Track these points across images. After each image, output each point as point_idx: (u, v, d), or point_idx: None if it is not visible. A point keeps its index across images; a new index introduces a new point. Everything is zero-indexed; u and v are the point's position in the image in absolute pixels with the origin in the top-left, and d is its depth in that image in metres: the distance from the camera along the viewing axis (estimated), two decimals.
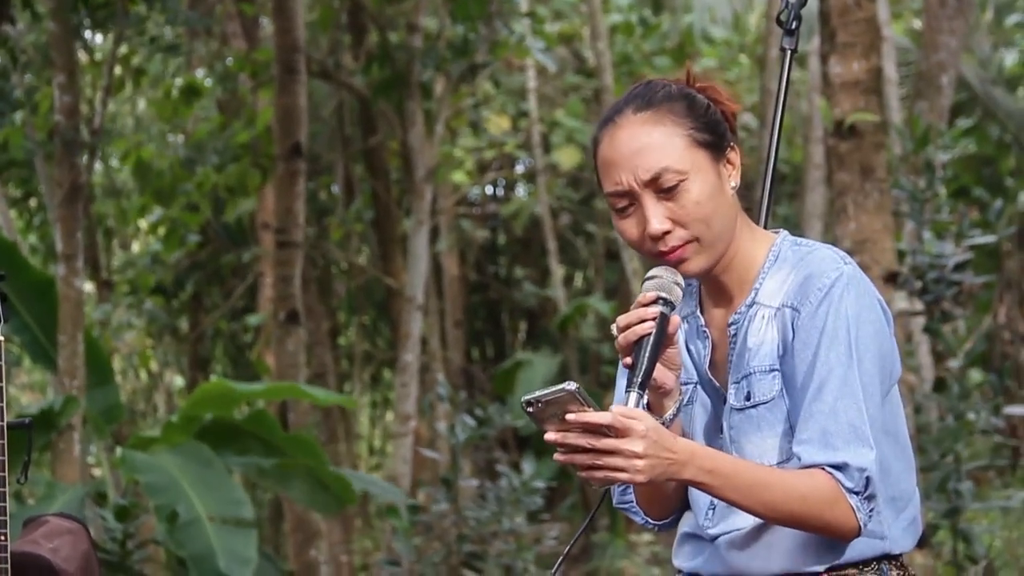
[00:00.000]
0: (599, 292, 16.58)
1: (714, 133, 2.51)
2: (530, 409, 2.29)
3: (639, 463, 2.30)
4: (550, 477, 13.64)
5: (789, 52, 2.92)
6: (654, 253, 2.49)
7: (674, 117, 2.49)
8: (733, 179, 2.53)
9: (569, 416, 2.29)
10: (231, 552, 7.09)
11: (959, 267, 7.14)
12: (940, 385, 7.55)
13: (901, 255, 6.97)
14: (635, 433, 2.29)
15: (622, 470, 2.30)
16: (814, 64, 11.80)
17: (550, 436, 2.30)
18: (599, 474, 2.31)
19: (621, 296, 15.65)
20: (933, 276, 7.05)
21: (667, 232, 2.47)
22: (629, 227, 2.50)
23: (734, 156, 2.53)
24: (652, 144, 2.47)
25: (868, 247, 6.01)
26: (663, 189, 2.46)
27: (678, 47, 14.86)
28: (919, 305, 7.31)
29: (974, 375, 8.17)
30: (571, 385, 2.28)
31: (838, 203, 6.13)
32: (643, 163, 2.46)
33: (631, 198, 2.48)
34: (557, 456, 2.32)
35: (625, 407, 2.33)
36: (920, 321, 7.49)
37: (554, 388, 2.28)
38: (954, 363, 7.27)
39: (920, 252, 7.09)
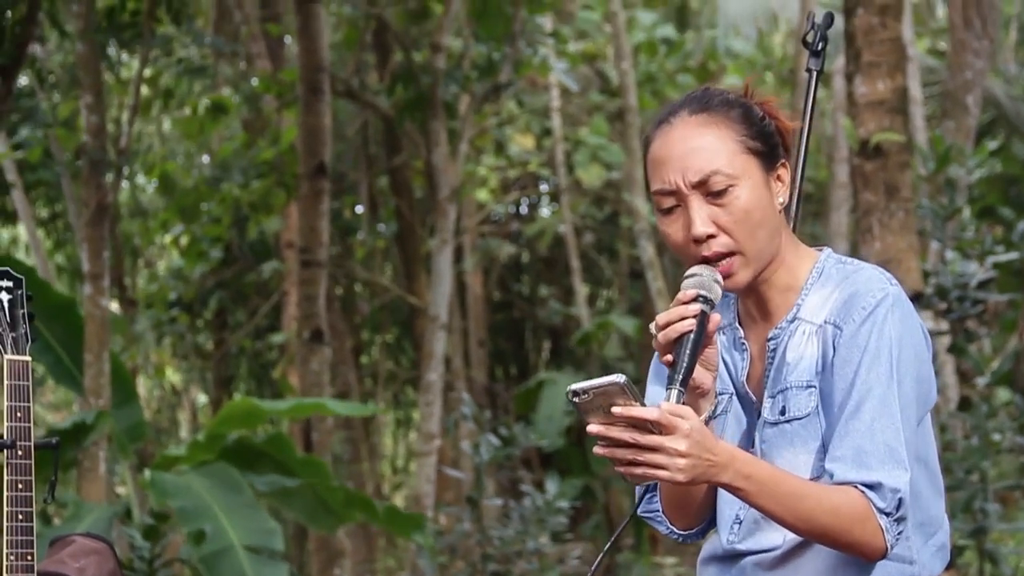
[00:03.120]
0: (622, 310, 16.57)
1: (767, 143, 2.49)
2: (576, 399, 2.27)
3: (681, 462, 2.28)
4: (574, 497, 13.62)
5: (815, 73, 2.92)
6: (697, 258, 2.46)
7: (729, 122, 2.47)
8: (782, 195, 2.51)
9: (615, 409, 2.26)
10: None
11: (983, 285, 7.12)
12: (965, 404, 7.52)
13: (925, 275, 6.95)
14: (680, 431, 2.28)
15: (663, 467, 2.28)
16: (839, 83, 11.80)
17: (593, 428, 2.28)
18: (639, 470, 2.29)
19: (645, 315, 15.64)
20: (957, 295, 7.03)
21: (711, 236, 2.44)
22: (673, 229, 2.48)
23: (784, 173, 2.52)
24: (704, 146, 2.45)
25: (893, 267, 5.99)
26: (712, 192, 2.44)
27: (701, 66, 14.87)
28: (944, 325, 7.29)
29: (1000, 394, 8.13)
30: (620, 378, 2.26)
31: (863, 223, 6.12)
32: (693, 164, 2.45)
33: (678, 199, 2.46)
34: (597, 449, 2.30)
35: (672, 404, 2.31)
36: (945, 341, 7.46)
37: (603, 380, 2.26)
38: (980, 382, 7.24)
39: (944, 272, 7.07)
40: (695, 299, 2.41)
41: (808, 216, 15.15)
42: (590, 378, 2.33)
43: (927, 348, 2.51)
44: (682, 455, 2.28)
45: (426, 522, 8.83)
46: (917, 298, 6.10)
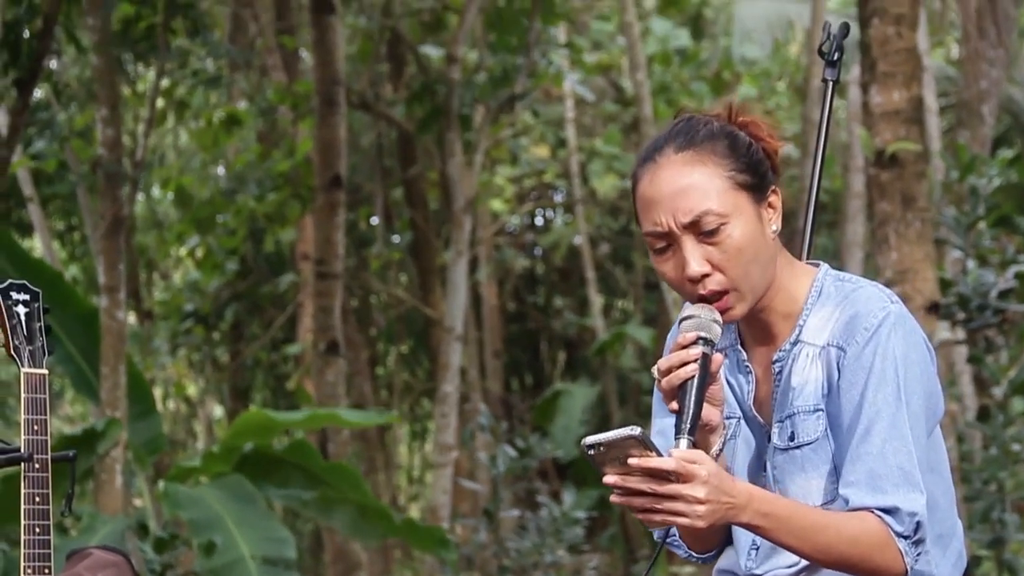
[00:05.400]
0: (637, 321, 16.56)
1: (756, 174, 2.46)
2: (591, 452, 2.27)
3: (700, 508, 2.28)
4: (590, 508, 13.60)
5: (831, 83, 2.91)
6: (694, 296, 2.45)
7: (716, 158, 2.44)
8: (774, 222, 2.49)
9: (632, 460, 2.26)
10: None
11: (1003, 295, 7.10)
12: (984, 414, 7.50)
13: (945, 284, 6.93)
14: (698, 479, 2.27)
15: (683, 515, 2.28)
16: (854, 93, 11.78)
17: (610, 479, 2.28)
18: (658, 517, 2.29)
19: (660, 325, 15.63)
20: (977, 304, 7.01)
21: (706, 275, 2.43)
22: (668, 268, 2.46)
23: (775, 200, 2.49)
24: (693, 185, 2.42)
25: (910, 277, 5.97)
26: (704, 232, 2.42)
27: (716, 75, 14.86)
28: (961, 334, 7.27)
29: (1017, 404, 8.11)
30: (635, 430, 2.25)
31: (879, 233, 6.10)
32: (684, 205, 2.42)
33: (670, 239, 2.44)
34: (614, 498, 2.30)
35: (687, 451, 2.31)
36: (963, 350, 7.45)
37: (617, 432, 2.26)
38: (997, 392, 7.22)
39: (964, 281, 7.05)
40: (695, 342, 2.39)
41: (823, 226, 15.12)
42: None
43: (932, 362, 2.50)
44: (701, 502, 2.28)
45: (447, 536, 8.80)
46: (934, 308, 6.08)
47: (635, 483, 2.27)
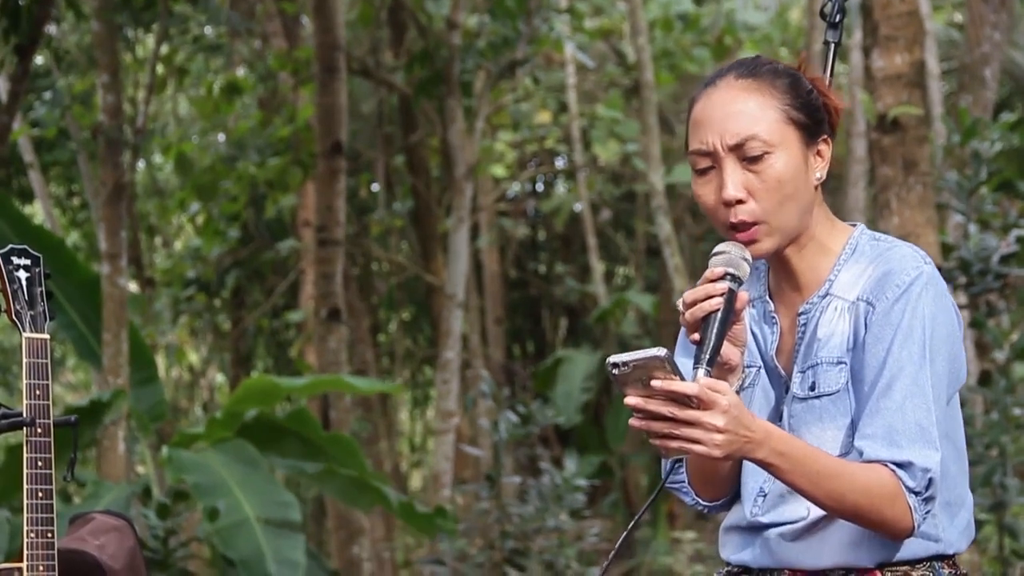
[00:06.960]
0: (639, 287, 16.55)
1: (810, 116, 2.48)
2: (616, 371, 2.26)
3: (718, 437, 2.28)
4: (592, 474, 13.63)
5: (833, 45, 2.90)
6: (726, 223, 2.46)
7: (774, 90, 2.46)
8: (820, 170, 2.50)
9: (655, 383, 2.26)
10: (280, 555, 7.12)
11: (1004, 260, 7.10)
12: (985, 379, 7.51)
13: (947, 248, 6.93)
14: (718, 407, 2.27)
15: (699, 442, 2.28)
16: (856, 58, 11.75)
17: (631, 400, 2.28)
18: (674, 443, 2.29)
19: (662, 292, 15.63)
20: (979, 269, 7.01)
21: (740, 201, 2.44)
22: (706, 191, 2.47)
23: (825, 149, 2.51)
24: (745, 111, 2.44)
25: (911, 241, 5.95)
26: (747, 157, 2.43)
27: (718, 40, 14.82)
28: (963, 299, 7.27)
29: (1019, 369, 8.12)
30: (661, 351, 2.25)
31: (881, 198, 6.10)
32: (732, 127, 2.43)
33: (713, 160, 2.45)
34: (633, 421, 2.30)
35: (710, 379, 2.31)
36: (964, 315, 7.44)
37: (644, 353, 2.26)
38: (999, 356, 7.22)
39: (966, 246, 7.05)
40: (722, 277, 2.40)
41: (825, 191, 15.08)
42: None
43: (959, 327, 2.50)
44: (719, 430, 2.28)
45: (446, 514, 8.80)
46: None
47: (656, 406, 2.27)
